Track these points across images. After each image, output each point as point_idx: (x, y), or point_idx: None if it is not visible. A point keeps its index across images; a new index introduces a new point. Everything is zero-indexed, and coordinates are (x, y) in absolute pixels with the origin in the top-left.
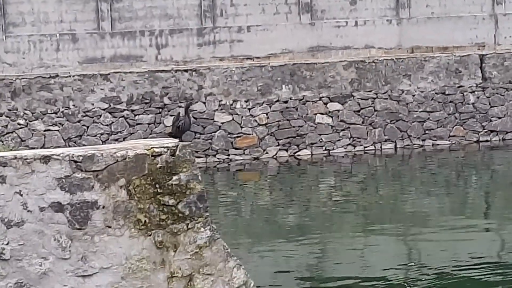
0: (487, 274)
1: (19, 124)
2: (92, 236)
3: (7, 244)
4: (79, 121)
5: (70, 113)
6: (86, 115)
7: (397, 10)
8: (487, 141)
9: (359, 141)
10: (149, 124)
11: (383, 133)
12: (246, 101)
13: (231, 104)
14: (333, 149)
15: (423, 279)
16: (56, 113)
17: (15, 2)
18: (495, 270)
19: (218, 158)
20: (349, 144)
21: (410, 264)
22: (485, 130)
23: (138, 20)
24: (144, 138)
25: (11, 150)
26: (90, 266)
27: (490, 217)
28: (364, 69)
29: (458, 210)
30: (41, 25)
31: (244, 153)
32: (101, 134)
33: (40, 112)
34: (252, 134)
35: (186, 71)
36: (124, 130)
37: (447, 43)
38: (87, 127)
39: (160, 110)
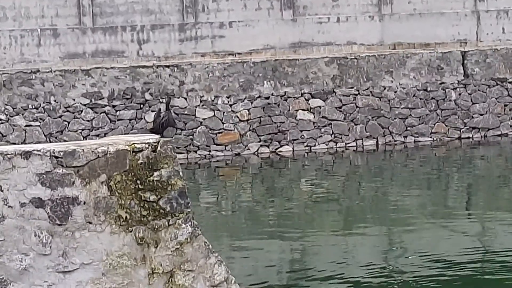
0: (469, 269)
1: (0, 119)
2: (73, 232)
3: None
4: (60, 117)
5: (51, 108)
6: (67, 111)
7: (379, 6)
8: (468, 138)
9: (341, 138)
10: (130, 119)
11: (365, 130)
12: (227, 97)
13: (213, 100)
14: (315, 145)
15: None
16: (37, 108)
17: None
18: (477, 263)
19: (200, 154)
20: (331, 140)
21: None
22: (466, 127)
23: (120, 15)
24: (125, 134)
25: None
26: (70, 262)
27: (470, 212)
28: (346, 65)
29: (439, 206)
30: (22, 20)
31: (225, 149)
32: (82, 129)
33: (21, 107)
34: (234, 130)
35: (167, 66)
36: (105, 125)
37: (429, 40)
38: (68, 122)
39: (142, 105)
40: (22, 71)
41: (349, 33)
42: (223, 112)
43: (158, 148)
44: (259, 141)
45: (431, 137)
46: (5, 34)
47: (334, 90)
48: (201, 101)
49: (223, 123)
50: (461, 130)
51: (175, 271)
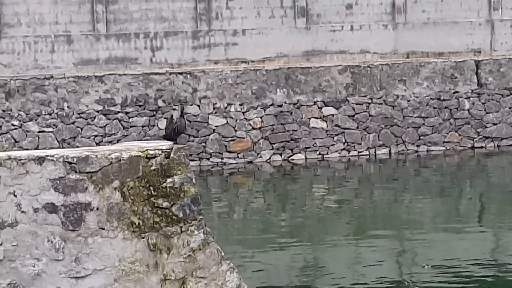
0: (481, 279)
1: (13, 125)
2: (86, 238)
3: (0, 244)
4: (73, 123)
5: (64, 114)
6: (80, 117)
7: (393, 15)
8: (482, 147)
9: (354, 146)
10: (143, 126)
11: (378, 138)
12: (240, 105)
13: (226, 108)
14: (327, 153)
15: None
16: (50, 114)
17: (11, 3)
18: (489, 273)
19: (212, 162)
20: (344, 149)
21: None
22: (480, 137)
23: (133, 22)
24: (138, 140)
25: (5, 151)
26: (83, 268)
27: (483, 223)
28: (359, 73)
29: (452, 216)
30: (36, 26)
31: (238, 157)
32: (95, 136)
33: (34, 113)
34: (246, 137)
35: (180, 74)
36: (118, 132)
37: (443, 49)
38: (81, 128)
39: (154, 112)
40: (36, 77)
41: (362, 41)
42: (236, 120)
43: (171, 155)
44: (272, 149)
45: (444, 146)
46: (19, 40)
47: (347, 98)
48: (214, 109)
49: (235, 131)
50: (474, 140)
51: (187, 278)
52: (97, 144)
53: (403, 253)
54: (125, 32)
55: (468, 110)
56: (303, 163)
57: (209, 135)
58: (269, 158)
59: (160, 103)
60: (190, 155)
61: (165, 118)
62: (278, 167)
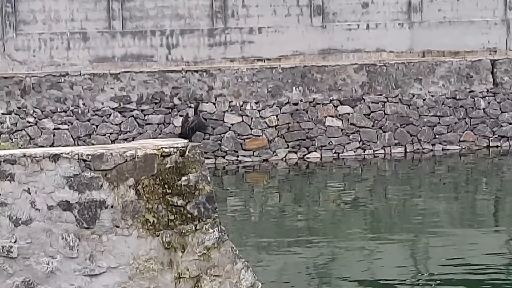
0: (495, 279)
1: (28, 122)
2: (100, 236)
3: (14, 242)
4: (88, 120)
5: (79, 112)
6: (96, 114)
7: (409, 14)
8: (497, 146)
9: (369, 145)
10: (158, 124)
11: (393, 137)
12: (256, 103)
13: (241, 106)
14: (343, 152)
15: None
16: (65, 111)
17: (27, 0)
18: (505, 274)
19: (227, 160)
20: (359, 147)
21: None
22: (495, 136)
23: (149, 19)
24: (153, 138)
25: (20, 148)
26: (97, 266)
27: (499, 223)
28: (375, 72)
29: (467, 216)
30: (52, 23)
31: (253, 155)
32: (111, 133)
33: (50, 110)
34: (262, 136)
35: (196, 71)
36: (133, 129)
37: (458, 48)
38: (97, 126)
39: (170, 110)
40: (51, 74)
41: (378, 40)
42: (252, 118)
43: (186, 153)
44: (287, 147)
45: (459, 146)
46: (35, 37)
47: (363, 97)
48: (229, 107)
49: (251, 129)
50: (490, 139)
51: (201, 276)
52: (112, 142)
53: (419, 251)
54: (141, 29)
55: (484, 109)
56: (318, 161)
57: (224, 133)
58: (285, 156)
59: (175, 100)
60: (205, 153)
61: (181, 116)
62: (294, 166)
